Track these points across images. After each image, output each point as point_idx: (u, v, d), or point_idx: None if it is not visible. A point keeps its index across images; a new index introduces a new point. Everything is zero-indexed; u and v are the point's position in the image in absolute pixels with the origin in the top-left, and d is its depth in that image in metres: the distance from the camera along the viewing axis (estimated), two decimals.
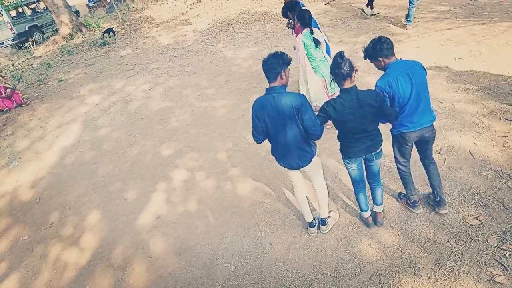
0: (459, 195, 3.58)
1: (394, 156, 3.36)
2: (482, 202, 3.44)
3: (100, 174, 5.56)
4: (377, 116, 2.91)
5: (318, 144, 3.28)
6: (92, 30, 14.67)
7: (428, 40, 6.84)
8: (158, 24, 13.82)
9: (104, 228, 4.47)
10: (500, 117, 4.42)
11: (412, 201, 3.50)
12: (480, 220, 3.27)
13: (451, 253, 3.08)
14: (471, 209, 3.41)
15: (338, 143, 3.20)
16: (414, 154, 3.34)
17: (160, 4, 16.26)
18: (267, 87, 2.89)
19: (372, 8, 8.97)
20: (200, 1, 14.58)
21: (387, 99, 2.91)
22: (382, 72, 3.01)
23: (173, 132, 6.21)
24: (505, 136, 4.12)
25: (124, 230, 4.37)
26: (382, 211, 3.51)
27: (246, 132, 5.61)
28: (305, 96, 2.94)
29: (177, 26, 12.97)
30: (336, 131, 3.14)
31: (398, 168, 3.41)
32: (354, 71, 2.79)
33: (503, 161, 3.83)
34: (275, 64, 2.78)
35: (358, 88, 2.84)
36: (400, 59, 2.96)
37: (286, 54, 2.85)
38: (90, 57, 11.77)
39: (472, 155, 4.02)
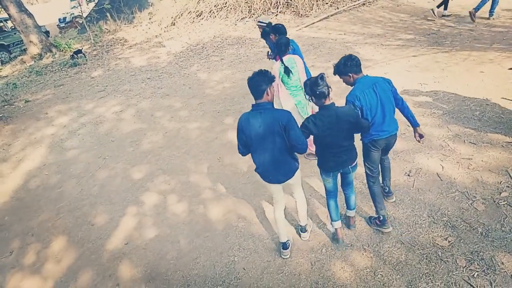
0: (428, 216, 3.66)
1: (365, 166, 3.51)
2: (450, 223, 3.52)
3: (67, 198, 5.33)
4: (352, 131, 3.13)
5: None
6: (62, 50, 14.37)
7: (395, 67, 7.13)
8: (131, 46, 13.74)
9: (69, 256, 4.24)
10: (464, 140, 4.61)
11: (381, 219, 3.57)
12: (449, 241, 3.34)
13: (423, 274, 3.11)
14: (440, 230, 3.48)
15: (312, 166, 3.25)
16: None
17: (133, 26, 16.23)
18: (253, 103, 2.99)
19: (446, 9, 9.43)
20: (174, 24, 14.65)
21: (358, 112, 3.14)
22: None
23: (144, 154, 6.08)
24: (469, 159, 4.28)
25: (90, 257, 4.16)
26: (354, 216, 3.72)
27: (220, 154, 5.57)
28: (291, 113, 3.03)
29: (150, 48, 12.94)
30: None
31: (369, 180, 3.56)
32: (330, 89, 3.00)
33: (469, 182, 3.96)
34: (261, 81, 2.90)
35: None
36: (367, 75, 3.26)
37: (270, 72, 2.98)
38: (60, 78, 11.49)
39: (439, 177, 4.14)
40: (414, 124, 3.48)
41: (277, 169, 3.12)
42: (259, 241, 3.88)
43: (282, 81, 4.52)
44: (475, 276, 2.99)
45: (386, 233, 3.57)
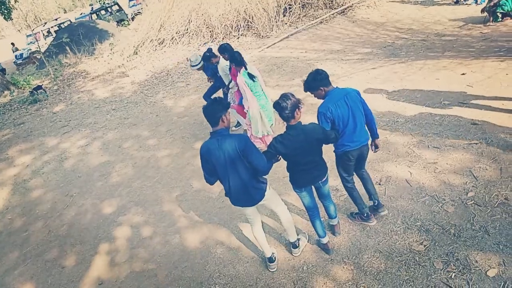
0: (402, 222, 3.73)
1: (340, 175, 3.63)
2: (424, 228, 3.60)
3: (33, 242, 5.05)
4: (321, 146, 3.18)
5: (279, 178, 3.27)
6: (21, 87, 13.90)
7: (356, 80, 7.37)
8: (93, 78, 13.49)
9: None
10: (428, 146, 4.78)
11: (365, 215, 3.75)
12: (424, 245, 3.41)
13: (403, 281, 3.14)
14: (415, 235, 3.55)
15: (286, 183, 3.24)
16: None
17: (94, 58, 15.99)
18: (211, 131, 2.99)
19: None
20: (136, 54, 14.56)
21: (329, 123, 3.23)
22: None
23: (114, 187, 5.90)
24: (435, 163, 4.44)
25: None
26: (338, 222, 3.78)
27: (192, 180, 5.48)
28: (248, 136, 3.07)
29: (113, 79, 12.75)
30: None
31: (346, 187, 3.67)
32: (297, 110, 2.99)
33: (437, 186, 4.09)
34: (215, 109, 2.92)
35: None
36: (337, 87, 3.31)
37: (224, 99, 3.01)
38: (19, 116, 11.07)
39: (409, 183, 4.25)
40: (375, 135, 3.57)
41: (244, 193, 3.11)
42: (239, 265, 3.81)
43: (249, 86, 4.94)
44: (452, 277, 3.05)
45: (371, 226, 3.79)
